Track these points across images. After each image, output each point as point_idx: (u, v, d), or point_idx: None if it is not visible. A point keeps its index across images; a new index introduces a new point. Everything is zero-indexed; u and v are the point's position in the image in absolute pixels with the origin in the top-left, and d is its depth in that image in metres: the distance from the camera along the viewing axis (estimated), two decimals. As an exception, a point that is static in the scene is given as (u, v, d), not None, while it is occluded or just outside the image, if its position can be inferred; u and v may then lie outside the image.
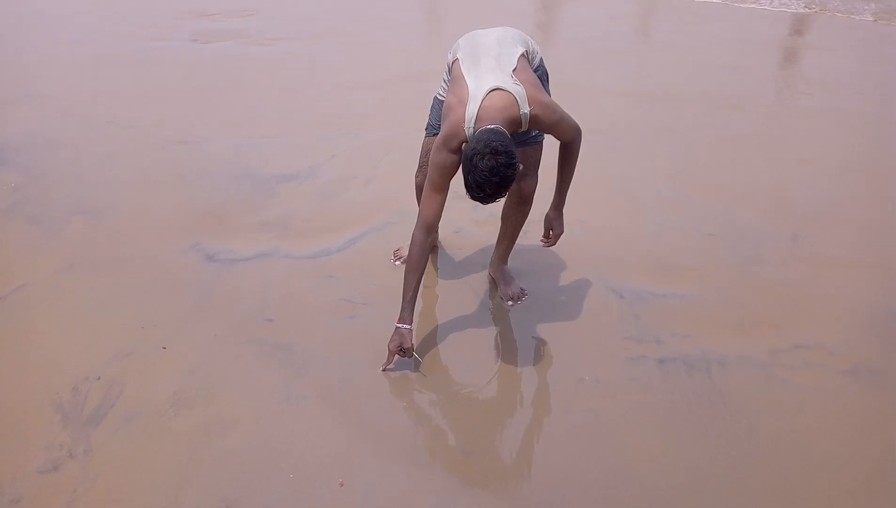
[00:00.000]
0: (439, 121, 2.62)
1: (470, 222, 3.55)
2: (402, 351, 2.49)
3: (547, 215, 2.77)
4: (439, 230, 3.35)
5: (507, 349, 2.65)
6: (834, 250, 3.35)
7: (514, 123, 2.40)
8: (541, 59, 2.70)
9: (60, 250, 3.35)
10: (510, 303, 2.90)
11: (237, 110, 5.37)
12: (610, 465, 2.15)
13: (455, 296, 2.97)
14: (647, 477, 2.11)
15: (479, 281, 3.07)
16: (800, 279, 3.12)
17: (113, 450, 2.17)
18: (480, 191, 2.22)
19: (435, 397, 2.40)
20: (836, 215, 3.71)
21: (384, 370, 2.52)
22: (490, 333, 2.74)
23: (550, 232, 2.77)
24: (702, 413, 2.35)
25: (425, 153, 2.82)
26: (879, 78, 6.19)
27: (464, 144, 2.33)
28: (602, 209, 3.70)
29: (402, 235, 3.37)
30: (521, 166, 2.67)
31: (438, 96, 2.75)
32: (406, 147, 4.39)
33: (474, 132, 2.33)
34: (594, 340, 2.70)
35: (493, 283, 3.02)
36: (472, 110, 2.36)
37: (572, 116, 2.53)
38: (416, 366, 2.55)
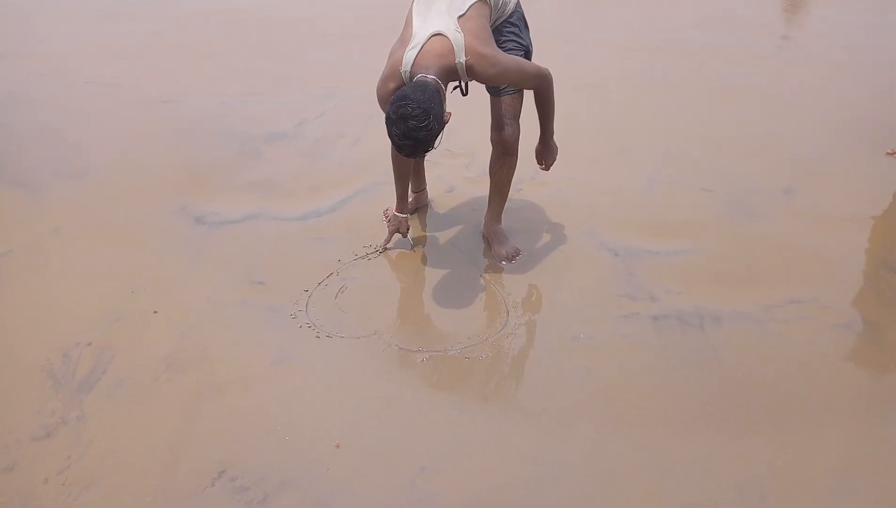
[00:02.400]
0: None
1: (462, 180, 3.50)
2: (399, 232, 2.90)
3: (536, 149, 2.83)
4: (430, 189, 3.31)
5: (501, 309, 2.63)
6: (828, 204, 3.34)
7: (450, 71, 2.42)
8: (516, 4, 2.65)
9: (45, 214, 3.29)
10: (504, 263, 2.88)
11: (220, 67, 5.25)
12: (604, 421, 2.15)
13: (448, 256, 2.94)
14: (641, 433, 2.11)
15: (472, 241, 3.04)
16: (794, 234, 3.10)
17: (106, 415, 2.15)
18: (400, 151, 2.33)
19: (428, 357, 2.39)
20: (830, 168, 3.69)
21: (384, 249, 2.94)
22: (483, 293, 2.72)
23: (543, 163, 2.84)
24: (696, 368, 2.35)
25: None
26: (882, 30, 6.11)
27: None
28: (595, 165, 3.66)
29: (392, 194, 3.32)
30: (501, 116, 2.68)
31: None
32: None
33: (410, 77, 2.39)
34: (588, 298, 2.69)
35: (487, 242, 2.99)
36: (410, 55, 2.40)
37: (533, 65, 2.52)
38: (412, 246, 2.98)
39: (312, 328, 2.53)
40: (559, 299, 2.69)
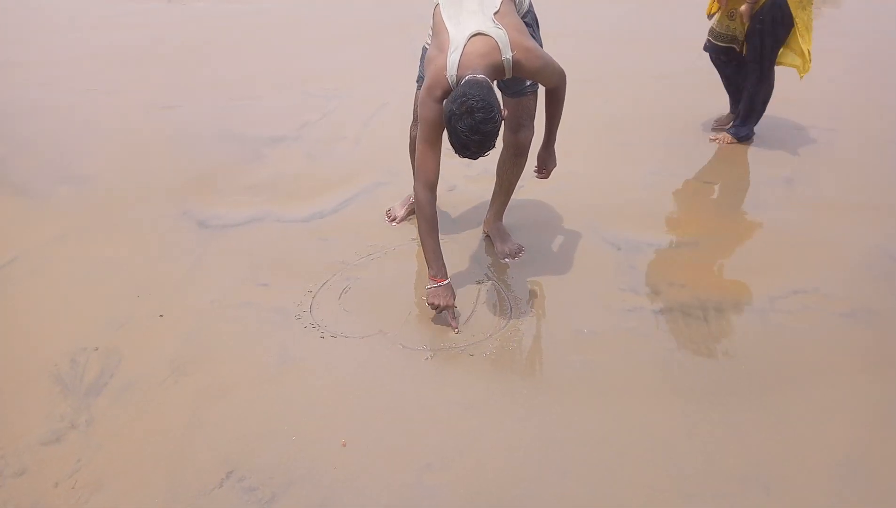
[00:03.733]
0: None
1: (463, 178, 3.51)
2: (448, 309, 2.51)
3: (539, 154, 2.77)
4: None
5: (505, 305, 2.64)
6: (829, 193, 3.34)
7: (497, 69, 2.35)
8: (530, 4, 2.63)
9: (50, 221, 3.31)
10: (507, 260, 2.89)
11: (220, 71, 5.27)
12: (610, 415, 2.15)
13: (450, 254, 2.94)
14: (646, 425, 2.12)
15: (474, 239, 3.05)
16: (796, 224, 3.10)
17: (114, 419, 2.16)
18: (465, 151, 2.20)
19: (433, 355, 2.40)
20: (831, 157, 3.69)
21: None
22: (488, 290, 2.73)
23: (545, 169, 2.79)
24: (699, 361, 2.36)
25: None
26: (878, 17, 6.09)
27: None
28: (596, 160, 3.67)
29: (394, 194, 3.34)
30: (518, 117, 2.65)
31: (426, 46, 2.67)
32: (394, 103, 4.34)
33: (457, 81, 2.29)
34: (591, 292, 2.69)
35: (489, 240, 3.00)
36: (453, 59, 2.32)
37: (557, 62, 2.48)
38: (457, 329, 2.53)
39: (317, 328, 2.54)
40: (562, 294, 2.70)
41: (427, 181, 2.43)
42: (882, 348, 2.41)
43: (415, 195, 2.47)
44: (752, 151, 3.74)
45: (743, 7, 3.50)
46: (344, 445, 2.05)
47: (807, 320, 2.54)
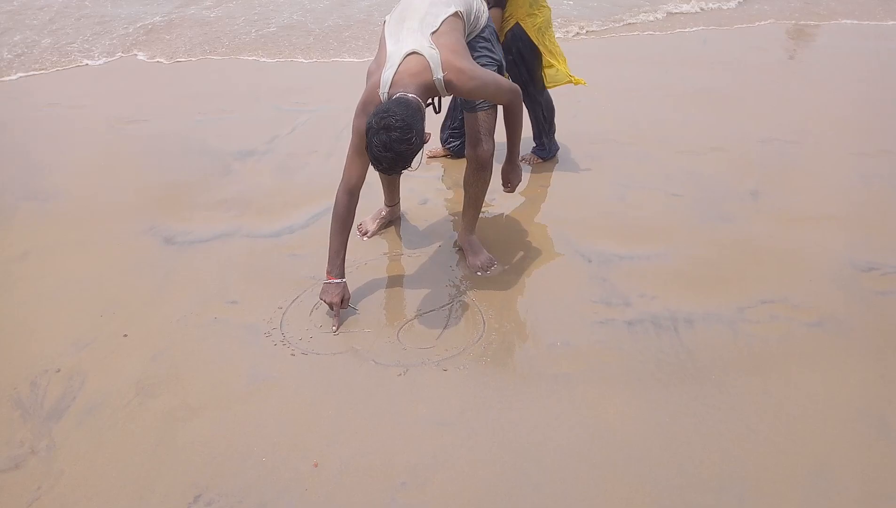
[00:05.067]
0: None
1: (435, 192, 3.50)
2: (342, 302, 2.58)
3: (503, 169, 2.85)
4: (403, 201, 3.30)
5: (478, 319, 2.62)
6: (794, 205, 3.39)
7: (429, 89, 2.40)
8: (488, 19, 2.66)
9: (11, 238, 3.22)
10: (479, 273, 2.88)
11: (186, 85, 5.20)
12: (584, 427, 2.15)
13: (422, 268, 2.93)
14: (620, 437, 2.11)
15: (446, 252, 3.03)
16: (763, 235, 3.14)
17: (77, 444, 2.10)
18: (378, 165, 2.27)
19: (406, 370, 2.37)
20: (797, 169, 3.75)
21: (337, 332, 2.55)
22: (460, 303, 2.71)
23: (509, 184, 2.87)
24: (670, 372, 2.37)
25: None
26: (841, 33, 6.25)
27: None
28: (566, 173, 3.69)
29: (366, 208, 3.31)
30: (476, 132, 2.68)
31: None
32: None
33: (388, 98, 2.33)
34: (564, 305, 2.69)
35: (462, 253, 2.99)
36: (387, 76, 2.37)
37: (504, 80, 2.51)
38: (356, 310, 2.67)
39: (287, 345, 2.50)
40: (535, 307, 2.69)
41: (349, 185, 2.57)
42: (850, 357, 2.44)
43: (336, 195, 2.58)
44: (718, 165, 3.79)
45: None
46: (316, 466, 2.01)
47: (775, 329, 2.57)
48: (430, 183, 3.61)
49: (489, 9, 3.05)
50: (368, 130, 2.23)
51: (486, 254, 2.94)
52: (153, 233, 3.22)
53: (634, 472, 1.99)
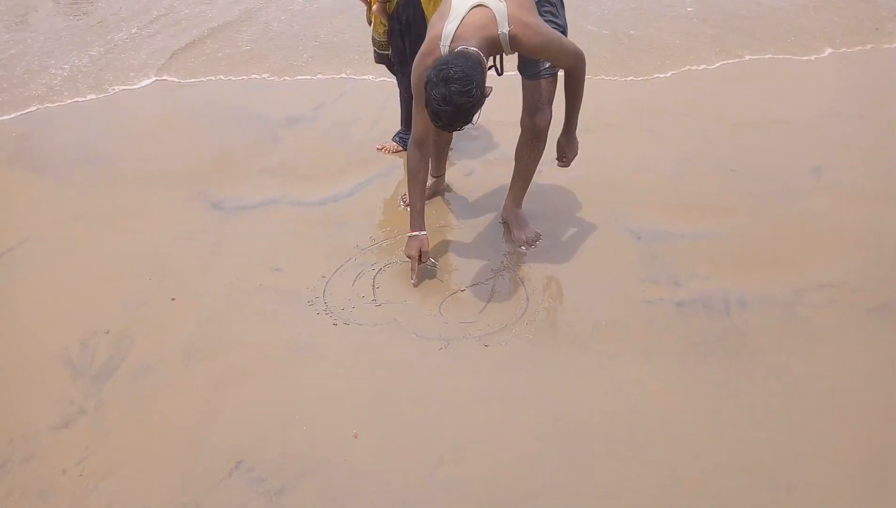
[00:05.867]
0: None
1: (481, 162, 3.44)
2: (420, 256, 2.59)
3: (559, 141, 2.72)
4: (448, 173, 3.25)
5: (521, 295, 2.58)
6: (857, 183, 3.21)
7: (493, 43, 2.31)
8: None
9: (65, 201, 3.29)
10: (524, 248, 2.82)
11: (236, 48, 5.20)
12: (628, 406, 2.10)
13: (467, 241, 2.89)
14: (666, 418, 2.06)
15: (491, 225, 2.98)
16: (823, 213, 3.00)
17: (124, 405, 2.14)
18: (437, 120, 2.20)
19: (447, 344, 2.35)
20: (859, 145, 3.56)
21: (417, 284, 2.61)
22: (503, 278, 2.67)
23: (564, 158, 2.75)
24: (721, 354, 2.29)
25: None
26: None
27: None
28: (618, 146, 3.57)
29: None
30: (535, 100, 2.59)
31: None
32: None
33: (450, 52, 2.26)
34: (611, 282, 2.62)
35: (507, 227, 2.93)
36: (449, 28, 2.30)
37: (570, 42, 2.40)
38: (433, 268, 2.70)
39: (330, 315, 2.50)
40: (580, 284, 2.63)
41: (416, 138, 2.54)
42: (912, 346, 2.33)
43: (408, 151, 2.58)
44: (778, 139, 3.62)
45: (375, 6, 3.20)
46: (356, 437, 2.01)
47: (834, 314, 2.46)
48: (475, 154, 3.54)
49: None
50: (427, 83, 2.16)
51: (532, 228, 2.87)
52: (202, 198, 3.24)
53: (680, 454, 1.94)
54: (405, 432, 2.04)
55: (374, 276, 2.69)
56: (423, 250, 2.59)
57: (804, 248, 2.80)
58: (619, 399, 2.14)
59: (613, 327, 2.42)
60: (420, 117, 2.46)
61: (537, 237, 2.85)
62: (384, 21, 3.23)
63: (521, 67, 2.61)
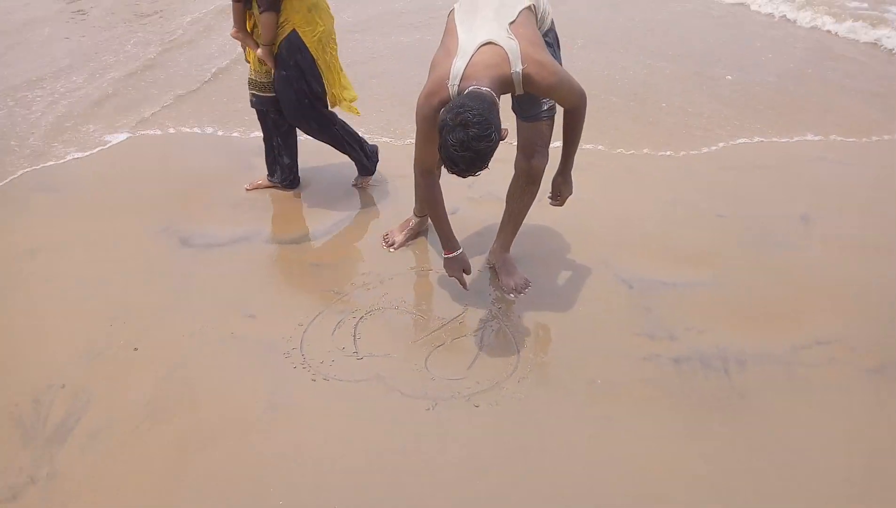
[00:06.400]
0: None
1: (466, 201, 3.31)
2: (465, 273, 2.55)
3: (555, 180, 2.60)
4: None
5: (511, 349, 2.44)
6: (847, 232, 3.17)
7: (505, 83, 2.18)
8: (552, 23, 2.44)
9: (21, 233, 3.07)
10: (512, 295, 2.69)
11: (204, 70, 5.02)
12: (626, 476, 1.98)
13: (453, 289, 2.74)
14: (668, 491, 1.94)
15: (478, 270, 2.84)
16: (815, 264, 2.94)
17: (80, 472, 1.94)
18: (454, 166, 2.06)
19: (434, 404, 2.20)
20: (846, 192, 3.52)
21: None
22: (492, 329, 2.53)
23: (559, 196, 2.63)
24: (722, 419, 2.19)
25: None
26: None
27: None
28: (606, 188, 3.48)
29: (393, 217, 3.14)
30: (532, 144, 2.50)
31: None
32: (394, 116, 4.11)
33: (459, 92, 2.14)
34: (605, 336, 2.51)
35: (494, 272, 2.81)
36: (458, 67, 2.16)
37: (576, 81, 2.30)
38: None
39: (308, 369, 2.33)
40: (573, 337, 2.51)
41: (424, 167, 2.42)
42: (914, 409, 2.26)
43: (415, 183, 2.48)
44: (764, 183, 3.58)
45: (260, 51, 2.93)
46: (337, 514, 1.85)
47: (834, 375, 2.38)
48: (460, 191, 3.39)
49: (261, 13, 2.83)
50: (443, 127, 2.03)
51: (521, 274, 2.75)
52: (169, 233, 3.05)
53: (685, 537, 1.82)
54: (391, 503, 1.88)
55: (356, 325, 2.53)
56: (465, 270, 2.57)
57: (797, 300, 2.72)
58: (617, 467, 2.02)
59: (609, 386, 2.29)
60: (427, 150, 2.33)
61: (526, 284, 2.73)
62: (270, 66, 2.99)
63: (519, 109, 2.49)
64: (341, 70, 3.13)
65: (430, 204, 2.52)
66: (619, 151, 3.87)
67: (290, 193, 3.37)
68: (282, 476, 1.96)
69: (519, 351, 2.43)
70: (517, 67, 2.15)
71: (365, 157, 3.35)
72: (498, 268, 2.78)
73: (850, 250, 3.02)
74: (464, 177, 2.12)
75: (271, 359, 2.37)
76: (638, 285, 2.77)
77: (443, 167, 2.31)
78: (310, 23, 2.90)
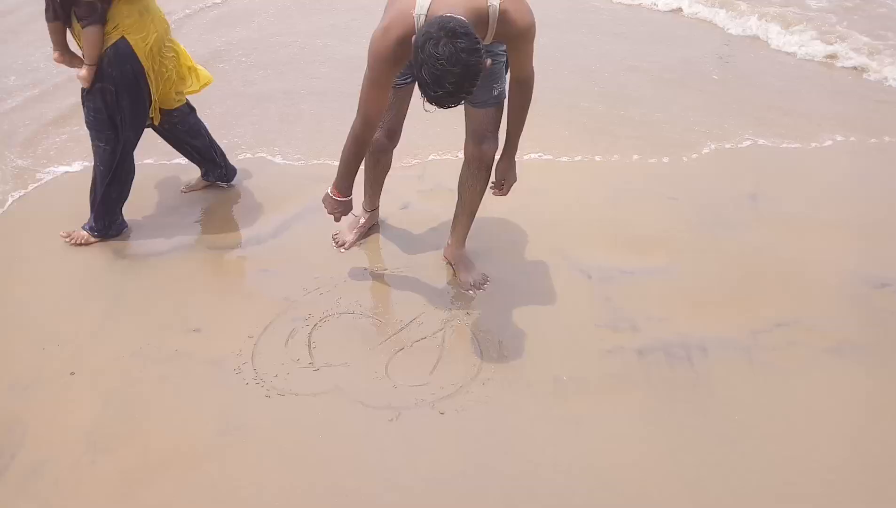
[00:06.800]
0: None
1: (417, 194, 3.20)
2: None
3: (498, 166, 2.47)
4: (382, 206, 2.99)
5: (474, 348, 2.37)
6: (796, 210, 3.20)
7: (480, 16, 1.99)
8: None
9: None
10: (471, 292, 2.62)
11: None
12: (600, 479, 1.94)
13: (409, 286, 2.65)
14: (640, 488, 1.92)
15: (433, 267, 2.75)
16: (767, 244, 2.95)
17: (17, 516, 1.78)
18: (438, 87, 1.83)
19: (398, 414, 2.11)
20: (793, 171, 3.56)
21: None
22: (453, 329, 2.45)
23: (503, 184, 2.51)
24: (689, 409, 2.17)
25: None
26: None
27: (413, 38, 1.92)
28: (560, 177, 3.42)
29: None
30: (482, 129, 2.42)
31: None
32: (342, 96, 3.91)
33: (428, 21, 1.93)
34: (567, 330, 2.46)
35: (450, 267, 2.72)
36: None
37: None
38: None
39: (261, 384, 2.21)
40: (536, 332, 2.45)
41: (367, 119, 2.20)
42: (870, 385, 2.29)
43: (351, 131, 2.23)
44: (713, 164, 3.59)
45: (83, 71, 2.55)
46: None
47: (793, 357, 2.39)
48: (409, 183, 3.29)
49: (84, 28, 2.48)
50: (426, 41, 1.80)
51: (479, 270, 2.68)
52: (100, 242, 2.83)
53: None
54: (358, 526, 1.80)
55: (310, 333, 2.41)
56: (344, 214, 2.45)
57: (752, 283, 2.73)
58: (588, 469, 1.97)
59: (575, 383, 2.25)
60: (374, 95, 2.15)
61: (485, 280, 2.66)
62: (87, 85, 2.59)
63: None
64: (174, 77, 2.78)
65: (352, 154, 2.30)
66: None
67: (231, 193, 3.19)
68: (236, 501, 1.84)
69: (482, 351, 2.36)
70: (494, 1, 1.99)
71: (220, 162, 3.11)
72: (455, 264, 2.69)
73: (794, 230, 3.04)
74: (445, 104, 1.90)
75: (220, 376, 2.23)
76: (596, 275, 2.73)
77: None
78: (141, 29, 2.56)
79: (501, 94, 2.39)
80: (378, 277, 2.70)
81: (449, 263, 2.74)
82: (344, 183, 2.38)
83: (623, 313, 2.54)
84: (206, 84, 2.96)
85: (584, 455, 2.02)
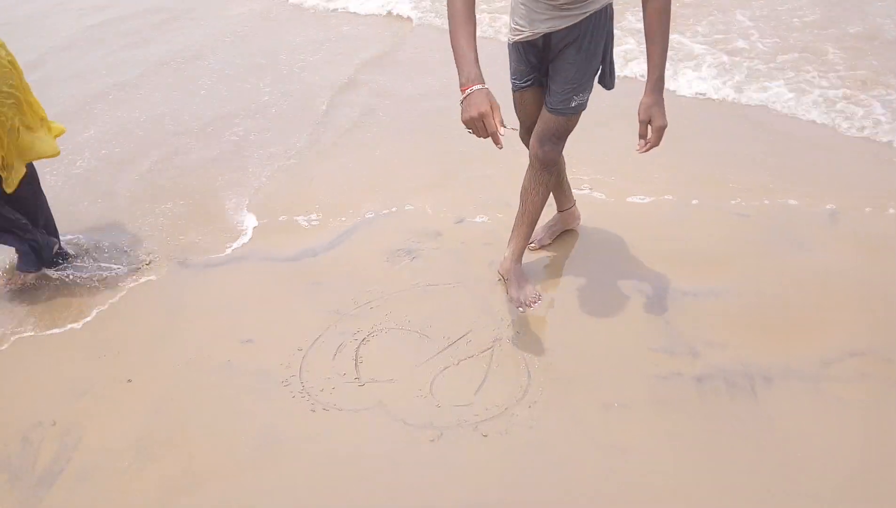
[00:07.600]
0: (519, 65, 2.37)
1: (474, 209, 3.15)
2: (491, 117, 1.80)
3: (642, 102, 2.19)
4: (435, 220, 2.98)
5: (522, 370, 2.31)
6: (877, 231, 2.98)
7: None
8: None
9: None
10: (521, 309, 2.56)
11: (205, 78, 4.91)
12: (647, 515, 1.85)
13: (458, 300, 2.61)
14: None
15: (486, 282, 2.70)
16: (844, 267, 2.75)
17: (66, 519, 1.85)
18: None
19: (440, 434, 2.08)
20: (875, 188, 3.32)
21: (501, 146, 1.82)
22: (501, 349, 2.40)
23: (649, 126, 2.20)
24: (750, 446, 2.03)
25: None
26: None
27: None
28: (620, 186, 3.30)
29: (398, 227, 3.01)
30: (550, 132, 2.36)
31: (510, 38, 2.36)
32: (401, 111, 3.94)
33: None
34: (620, 353, 2.36)
35: (503, 283, 2.67)
36: None
37: None
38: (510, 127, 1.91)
39: (307, 397, 2.22)
40: (587, 354, 2.37)
41: None
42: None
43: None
44: (790, 178, 3.38)
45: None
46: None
47: (867, 391, 2.21)
48: (467, 197, 3.25)
49: None
50: None
51: (532, 287, 2.61)
52: (160, 254, 2.93)
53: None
54: (393, 551, 1.77)
55: (357, 348, 2.41)
56: (493, 104, 1.81)
57: (825, 307, 2.55)
58: (631, 502, 1.88)
59: (627, 411, 2.15)
60: None
61: (537, 298, 2.59)
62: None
63: (548, 95, 2.35)
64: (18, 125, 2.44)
65: (460, 20, 1.92)
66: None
67: (286, 204, 3.25)
68: (277, 518, 1.85)
69: (529, 372, 2.30)
70: None
71: (40, 241, 2.69)
72: (508, 279, 2.64)
73: (878, 252, 2.83)
74: None
75: (268, 388, 2.26)
76: (655, 295, 2.61)
77: None
78: None
79: (580, 106, 2.33)
80: (430, 291, 2.67)
81: (503, 278, 2.69)
82: (464, 66, 1.87)
83: (682, 337, 2.42)
84: (58, 135, 2.66)
85: (628, 487, 1.93)
